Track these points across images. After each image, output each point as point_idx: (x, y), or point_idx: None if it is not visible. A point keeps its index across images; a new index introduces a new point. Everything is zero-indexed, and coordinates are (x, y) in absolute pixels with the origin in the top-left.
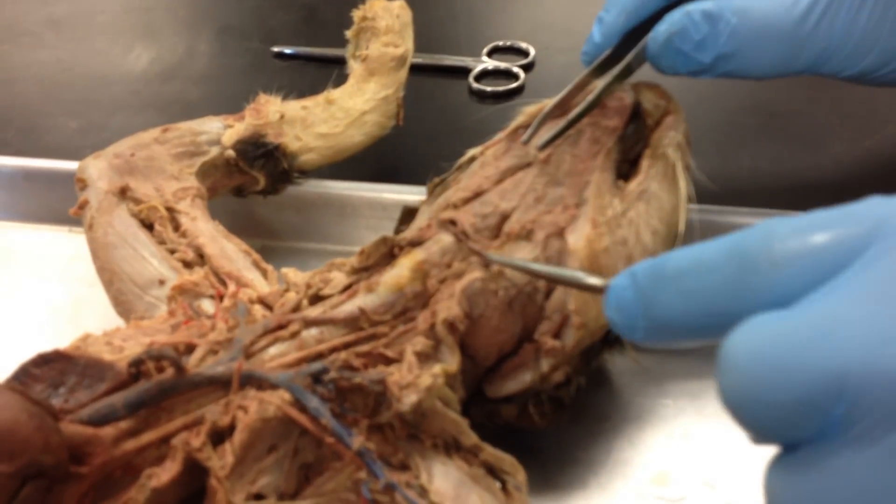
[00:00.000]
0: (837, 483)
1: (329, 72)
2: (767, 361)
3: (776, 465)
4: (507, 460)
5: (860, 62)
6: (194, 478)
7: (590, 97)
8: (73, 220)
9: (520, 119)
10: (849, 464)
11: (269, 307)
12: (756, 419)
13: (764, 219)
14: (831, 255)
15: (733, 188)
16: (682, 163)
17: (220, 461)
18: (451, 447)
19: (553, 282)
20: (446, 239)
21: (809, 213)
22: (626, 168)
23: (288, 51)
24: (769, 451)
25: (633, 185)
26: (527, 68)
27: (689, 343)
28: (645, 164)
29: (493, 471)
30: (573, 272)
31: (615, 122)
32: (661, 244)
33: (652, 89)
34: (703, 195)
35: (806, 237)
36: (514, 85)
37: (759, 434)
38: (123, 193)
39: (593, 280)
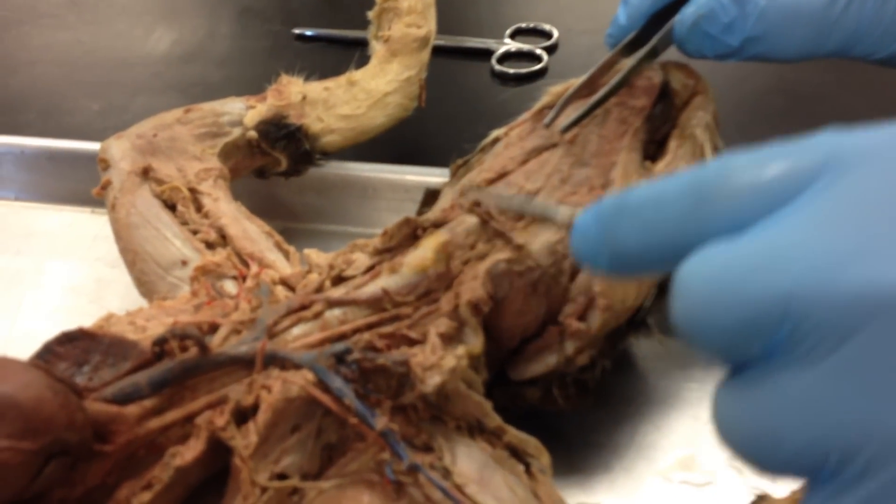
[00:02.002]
0: (779, 401)
1: (350, 54)
2: (715, 285)
3: (723, 388)
4: (531, 443)
5: (891, 45)
6: (218, 457)
7: (616, 77)
8: (96, 201)
9: (545, 99)
10: (790, 382)
11: (291, 288)
12: (706, 341)
13: None
14: (784, 185)
15: None
16: (711, 144)
17: (244, 440)
18: (475, 429)
19: (527, 214)
20: (470, 220)
21: (766, 146)
22: (653, 149)
23: (309, 33)
24: None
25: (661, 165)
26: (550, 50)
27: (653, 274)
28: (673, 144)
29: (516, 453)
30: (546, 205)
31: (643, 101)
32: None
33: (680, 69)
34: None
35: (760, 168)
36: (536, 67)
37: (710, 355)
38: (146, 174)
39: (563, 210)
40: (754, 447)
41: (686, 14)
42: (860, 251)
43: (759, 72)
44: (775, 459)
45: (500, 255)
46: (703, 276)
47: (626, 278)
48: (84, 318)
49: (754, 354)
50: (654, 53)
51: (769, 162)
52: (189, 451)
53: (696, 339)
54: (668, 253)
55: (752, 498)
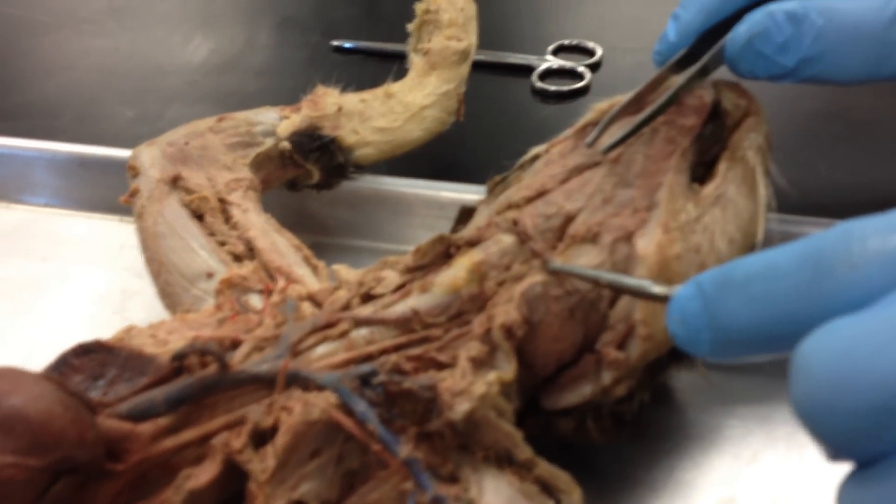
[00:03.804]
0: None
1: (389, 67)
2: (842, 366)
3: (850, 480)
4: (562, 477)
5: None
6: (233, 480)
7: (665, 95)
8: (125, 209)
9: (589, 116)
10: None
11: (318, 304)
12: (830, 429)
13: None
14: None
15: (810, 198)
16: (763, 167)
17: (261, 464)
18: (504, 460)
19: (616, 290)
20: (506, 239)
21: (888, 213)
22: (701, 171)
23: (348, 45)
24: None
25: (710, 188)
26: (593, 68)
27: (758, 358)
28: (722, 167)
29: (547, 488)
30: (639, 281)
31: (692, 121)
32: (738, 253)
33: (732, 88)
34: (781, 204)
35: (886, 237)
36: (579, 85)
37: (834, 447)
38: (175, 182)
39: (658, 289)
40: None
41: (739, 32)
42: None
43: (811, 94)
44: None
45: (537, 277)
46: (829, 355)
47: (730, 362)
48: (107, 328)
49: (887, 446)
50: (704, 72)
51: (895, 231)
52: (203, 474)
53: (818, 425)
54: (783, 331)
55: None
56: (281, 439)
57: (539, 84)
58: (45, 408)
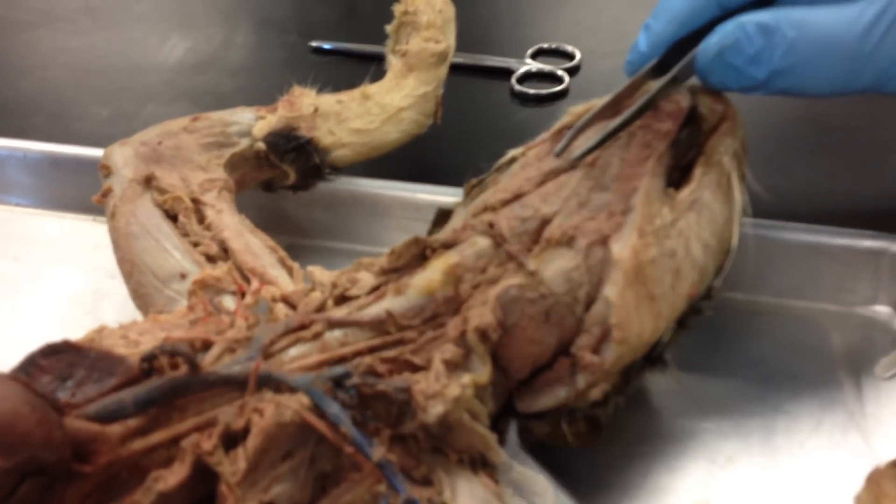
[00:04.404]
0: None
1: (367, 68)
2: None
3: None
4: (537, 481)
5: None
6: (204, 482)
7: (638, 102)
8: (98, 209)
9: (565, 119)
10: None
11: (292, 306)
12: None
13: (820, 236)
14: None
15: (787, 203)
16: (738, 172)
17: (232, 466)
18: (478, 463)
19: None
20: (482, 242)
21: None
22: (677, 175)
23: (326, 46)
24: (815, 489)
25: (685, 193)
26: (571, 72)
27: None
28: (698, 171)
29: (521, 491)
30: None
31: (669, 125)
32: (712, 258)
33: (709, 93)
34: (757, 209)
35: None
36: (557, 88)
37: None
38: (148, 182)
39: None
40: None
41: (709, 44)
42: None
43: (788, 100)
44: None
45: (512, 280)
46: None
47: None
48: (79, 328)
49: None
50: (674, 83)
51: None
52: (173, 476)
53: None
54: None
55: None
56: (252, 441)
57: (518, 87)
58: (11, 408)
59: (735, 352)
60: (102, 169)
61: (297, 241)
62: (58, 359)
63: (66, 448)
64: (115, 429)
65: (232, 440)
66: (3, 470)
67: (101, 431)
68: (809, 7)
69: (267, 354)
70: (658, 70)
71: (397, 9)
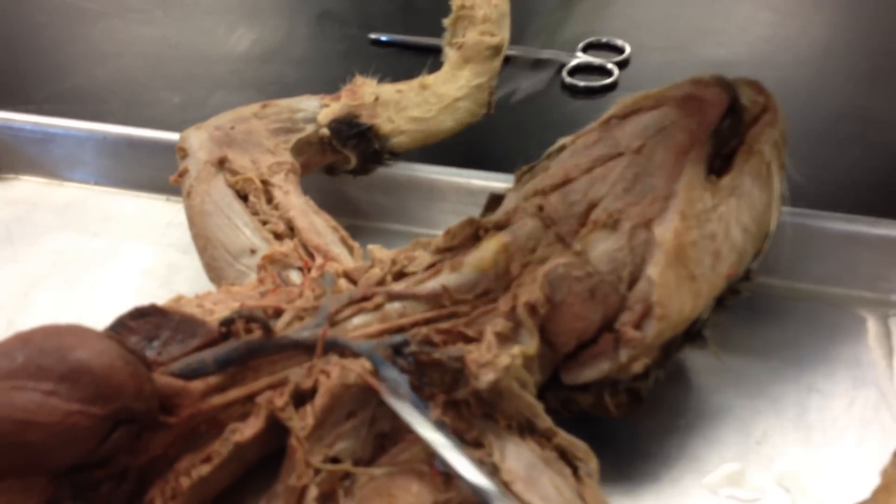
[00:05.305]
0: None
1: (424, 60)
2: None
3: None
4: (580, 446)
5: None
6: (275, 436)
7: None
8: (171, 189)
9: (613, 109)
10: None
11: (354, 281)
12: None
13: (859, 226)
14: None
15: (827, 194)
16: (778, 161)
17: (301, 422)
18: (525, 429)
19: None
20: (532, 223)
21: None
22: (719, 163)
23: (384, 38)
24: (845, 462)
25: (726, 180)
26: (621, 65)
27: None
28: (739, 160)
29: (565, 456)
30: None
31: (711, 115)
32: (751, 242)
33: (750, 85)
34: (795, 198)
35: None
36: (607, 81)
37: None
38: (221, 164)
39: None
40: None
41: None
42: None
43: (830, 94)
44: None
45: (560, 259)
46: None
47: None
48: (154, 300)
49: None
50: None
51: None
52: (248, 429)
53: None
54: None
55: None
56: (320, 400)
57: (569, 79)
58: (108, 362)
59: (772, 334)
60: (179, 151)
61: (357, 223)
62: (145, 321)
63: (154, 400)
64: (197, 385)
65: (301, 398)
66: (99, 417)
67: (184, 387)
68: None
69: (333, 322)
70: None
71: (455, 3)
